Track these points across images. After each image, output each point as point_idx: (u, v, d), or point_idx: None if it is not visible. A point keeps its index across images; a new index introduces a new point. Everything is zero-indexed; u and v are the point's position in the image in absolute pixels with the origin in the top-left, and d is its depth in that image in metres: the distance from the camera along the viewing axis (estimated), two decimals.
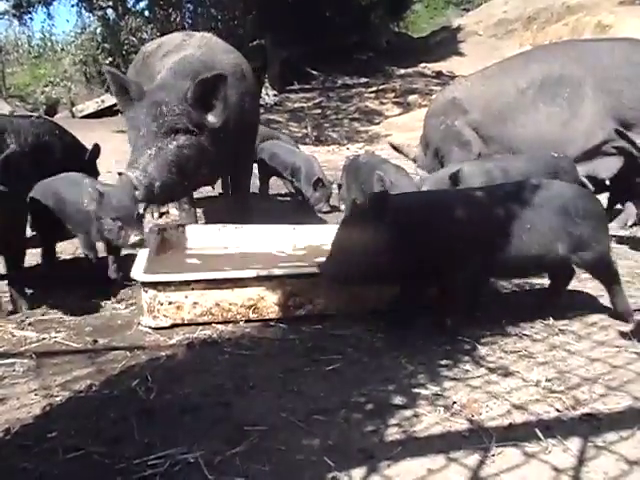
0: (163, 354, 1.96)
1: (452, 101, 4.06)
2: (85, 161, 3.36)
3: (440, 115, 4.09)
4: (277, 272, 2.27)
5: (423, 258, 2.04)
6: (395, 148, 4.61)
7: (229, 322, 2.20)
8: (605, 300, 2.45)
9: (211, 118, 2.67)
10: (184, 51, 3.10)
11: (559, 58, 3.71)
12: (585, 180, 3.31)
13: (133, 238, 2.42)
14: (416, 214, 2.08)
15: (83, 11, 10.21)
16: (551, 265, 2.26)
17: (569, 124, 3.56)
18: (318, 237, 2.93)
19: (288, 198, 4.87)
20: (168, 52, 3.23)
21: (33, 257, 2.80)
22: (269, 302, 2.22)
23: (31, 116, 3.73)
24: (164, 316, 2.17)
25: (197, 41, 3.26)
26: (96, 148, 3.44)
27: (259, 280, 2.21)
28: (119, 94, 2.71)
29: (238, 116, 3.04)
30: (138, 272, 2.21)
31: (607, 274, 2.25)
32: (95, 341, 2.07)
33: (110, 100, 9.91)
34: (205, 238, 2.91)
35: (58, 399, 1.66)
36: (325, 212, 4.24)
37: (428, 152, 4.18)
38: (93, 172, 3.33)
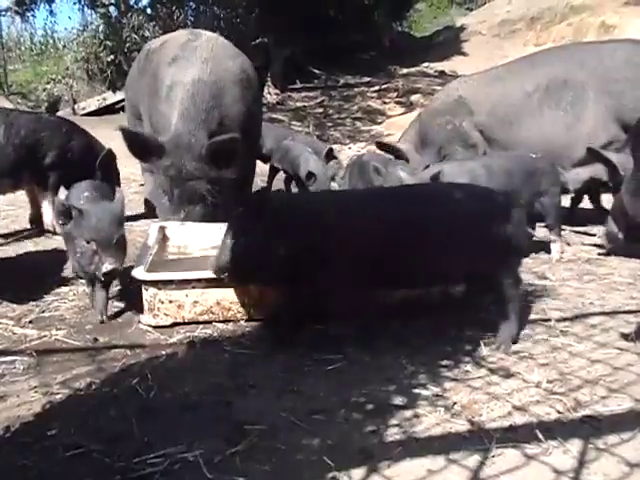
0: (163, 353, 1.96)
1: (458, 100, 4.03)
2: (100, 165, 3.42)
3: (446, 114, 4.04)
4: None
5: (295, 260, 1.91)
6: (383, 148, 4.45)
7: (229, 321, 2.20)
8: (607, 302, 2.45)
9: (227, 173, 2.86)
10: (192, 66, 3.13)
11: (563, 62, 3.72)
12: (569, 183, 3.28)
13: (106, 267, 2.05)
14: (289, 215, 1.98)
15: (85, 8, 10.20)
16: (451, 277, 2.10)
17: (573, 128, 3.57)
18: None
19: None
20: (176, 58, 3.23)
21: None
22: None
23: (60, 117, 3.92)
24: (165, 315, 2.17)
25: (203, 51, 3.26)
26: (108, 153, 3.50)
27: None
28: (135, 148, 2.81)
29: (244, 124, 3.17)
30: (139, 270, 2.21)
31: (507, 291, 2.03)
32: (95, 339, 2.07)
33: (112, 98, 9.90)
34: (206, 236, 2.90)
35: (58, 397, 1.66)
36: None
37: (427, 150, 4.11)
38: (109, 178, 3.37)
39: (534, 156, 3.14)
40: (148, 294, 2.17)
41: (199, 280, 2.17)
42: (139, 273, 2.19)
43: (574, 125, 3.57)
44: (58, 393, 1.68)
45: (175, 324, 2.17)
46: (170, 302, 2.16)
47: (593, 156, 3.07)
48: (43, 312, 2.33)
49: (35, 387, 1.71)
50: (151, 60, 3.51)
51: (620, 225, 2.93)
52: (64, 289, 2.57)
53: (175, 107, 2.94)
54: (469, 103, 3.96)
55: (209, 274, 2.17)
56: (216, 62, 3.18)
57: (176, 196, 2.85)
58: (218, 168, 2.81)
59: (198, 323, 2.17)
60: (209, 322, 2.18)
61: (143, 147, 2.79)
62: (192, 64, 3.13)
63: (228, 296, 2.19)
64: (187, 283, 2.16)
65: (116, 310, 2.37)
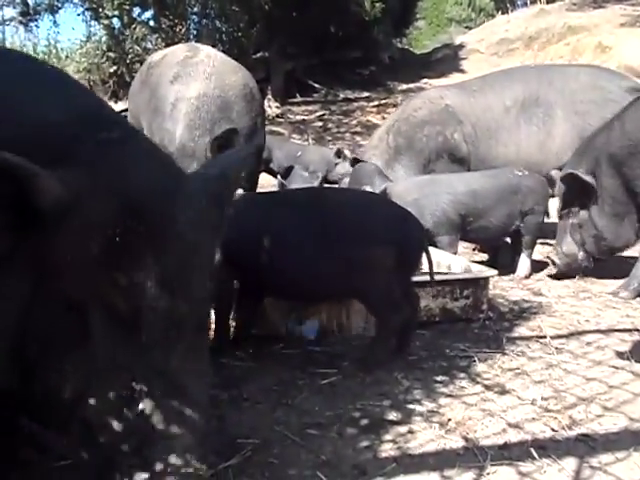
0: None
1: (446, 109, 3.87)
2: None
3: (436, 124, 3.85)
4: None
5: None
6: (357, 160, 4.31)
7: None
8: (603, 320, 2.45)
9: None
10: (194, 82, 3.15)
11: (535, 79, 3.77)
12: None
13: None
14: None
15: (89, 19, 10.31)
16: (338, 290, 1.96)
17: (544, 144, 3.64)
18: None
19: None
20: (178, 76, 3.26)
21: None
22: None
23: None
24: None
25: (205, 66, 3.30)
26: None
27: None
28: None
29: (250, 137, 3.21)
30: None
31: (376, 306, 1.94)
32: None
33: (114, 108, 9.95)
34: None
35: None
36: None
37: (409, 163, 3.90)
38: None
39: (520, 174, 3.13)
40: None
41: None
42: None
43: (545, 142, 3.64)
44: None
45: None
46: None
47: (572, 180, 2.96)
48: None
49: None
50: (151, 74, 3.55)
51: (586, 247, 3.00)
52: None
53: (179, 120, 2.96)
54: (457, 113, 3.84)
55: None
56: (219, 77, 3.22)
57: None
58: None
59: None
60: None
61: None
62: (194, 80, 3.17)
63: None
64: None
65: None
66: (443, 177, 3.32)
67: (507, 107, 3.72)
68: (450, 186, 3.07)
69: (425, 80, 12.13)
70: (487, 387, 1.81)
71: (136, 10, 10.07)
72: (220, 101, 3.09)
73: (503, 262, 3.22)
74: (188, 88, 3.12)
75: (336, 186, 4.39)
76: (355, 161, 4.06)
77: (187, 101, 3.04)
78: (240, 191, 2.86)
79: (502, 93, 3.80)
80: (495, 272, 2.54)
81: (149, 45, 9.75)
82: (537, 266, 3.28)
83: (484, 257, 3.50)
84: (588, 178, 2.90)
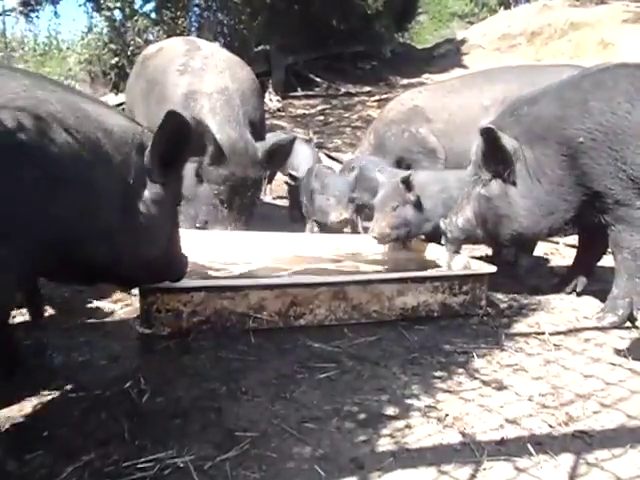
0: (157, 357, 1.95)
1: (414, 109, 4.05)
2: None
3: (402, 123, 4.06)
4: (277, 281, 2.27)
5: None
6: (331, 158, 4.53)
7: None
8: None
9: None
10: (209, 75, 3.17)
11: (517, 80, 3.77)
12: None
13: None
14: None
15: (90, 11, 10.25)
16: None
17: None
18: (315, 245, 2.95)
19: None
20: (186, 66, 3.25)
21: None
22: (269, 311, 2.20)
23: None
24: (161, 324, 2.11)
25: (215, 60, 3.32)
26: None
27: (259, 289, 2.19)
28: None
29: (262, 130, 3.30)
30: None
31: None
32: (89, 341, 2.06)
33: (114, 100, 9.91)
34: (207, 244, 2.91)
35: (50, 398, 1.65)
36: None
37: (381, 159, 4.04)
38: None
39: None
40: (145, 302, 2.11)
41: (198, 289, 2.12)
42: None
43: None
44: (50, 395, 1.67)
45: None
46: (167, 311, 2.10)
47: (491, 139, 2.46)
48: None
49: (27, 388, 1.70)
50: (147, 66, 3.56)
51: (487, 226, 2.56)
52: (57, 290, 2.57)
53: (208, 116, 2.95)
54: (426, 111, 3.99)
55: (208, 282, 2.15)
56: (232, 71, 3.27)
57: (236, 204, 2.92)
58: (267, 170, 3.04)
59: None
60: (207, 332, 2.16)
61: (200, 147, 2.81)
62: (208, 73, 3.18)
63: (227, 306, 2.15)
64: (186, 292, 2.11)
65: (112, 314, 2.36)
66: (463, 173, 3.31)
67: (485, 106, 3.74)
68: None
69: (427, 75, 12.09)
70: (485, 383, 1.81)
71: (138, 2, 10.01)
72: (240, 95, 3.15)
73: (502, 258, 3.22)
74: (202, 81, 3.12)
75: None
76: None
77: (208, 96, 3.04)
78: None
79: (479, 92, 3.84)
80: (494, 268, 2.54)
81: (150, 37, 9.68)
82: (537, 262, 3.28)
83: (483, 253, 3.50)
84: (509, 142, 2.43)
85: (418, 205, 2.90)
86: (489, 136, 2.44)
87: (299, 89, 11.53)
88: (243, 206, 2.96)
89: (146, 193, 1.66)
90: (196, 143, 2.68)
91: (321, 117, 10.30)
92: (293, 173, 4.08)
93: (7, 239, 1.32)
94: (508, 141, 2.43)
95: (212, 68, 3.21)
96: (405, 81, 11.92)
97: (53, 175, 1.38)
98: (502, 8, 16.48)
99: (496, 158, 2.47)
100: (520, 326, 2.34)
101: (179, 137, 1.66)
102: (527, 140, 2.43)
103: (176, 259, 1.91)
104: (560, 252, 3.54)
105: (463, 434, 1.51)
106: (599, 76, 2.35)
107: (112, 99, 10.02)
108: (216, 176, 2.86)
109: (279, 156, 3.04)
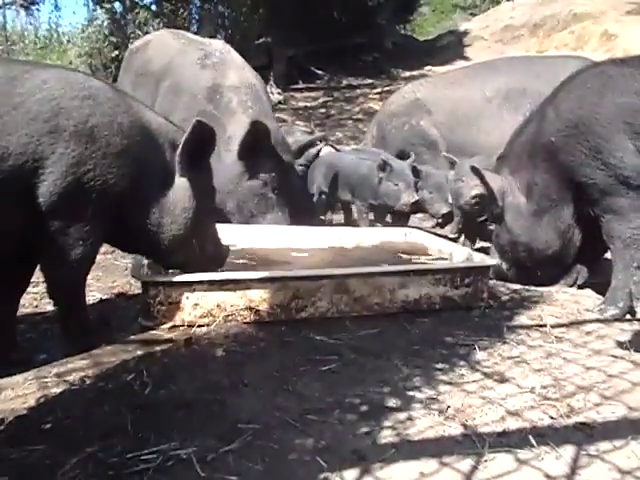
0: (159, 349, 1.96)
1: (415, 102, 4.07)
2: None
3: (402, 116, 4.09)
4: (279, 274, 2.27)
5: None
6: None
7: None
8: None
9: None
10: (231, 70, 3.28)
11: (521, 71, 3.76)
12: None
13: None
14: None
15: (90, 4, 10.22)
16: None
17: None
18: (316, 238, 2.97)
19: None
20: (206, 60, 3.37)
21: None
22: (271, 304, 2.20)
23: None
24: (163, 317, 2.13)
25: (231, 54, 3.43)
26: None
27: (261, 282, 2.19)
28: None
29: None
30: (139, 271, 2.21)
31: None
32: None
33: None
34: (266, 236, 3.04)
35: (53, 391, 1.66)
36: None
37: (383, 151, 4.10)
38: None
39: None
40: (148, 295, 2.12)
41: (200, 282, 2.13)
42: (139, 274, 2.19)
43: None
44: (53, 387, 1.68)
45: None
46: (170, 304, 2.12)
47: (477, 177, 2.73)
48: (37, 306, 2.33)
49: (30, 380, 1.71)
50: (135, 59, 3.68)
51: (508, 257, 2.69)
52: None
53: (238, 112, 3.07)
54: (427, 104, 4.00)
55: (211, 276, 2.15)
56: (248, 66, 3.42)
57: (282, 192, 3.08)
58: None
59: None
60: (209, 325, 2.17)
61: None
62: (229, 67, 3.31)
63: (229, 299, 2.16)
64: (188, 285, 2.12)
65: (115, 306, 2.37)
66: None
67: (488, 97, 3.75)
68: None
69: (429, 67, 12.02)
70: (487, 375, 1.82)
71: None
72: (263, 90, 3.31)
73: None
74: (225, 75, 3.21)
75: None
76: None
77: (236, 90, 3.16)
78: None
79: (482, 84, 3.84)
80: (497, 260, 2.54)
81: (151, 30, 9.64)
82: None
83: (486, 245, 3.50)
84: (493, 180, 2.61)
85: None
86: (477, 175, 2.65)
87: (300, 82, 11.48)
88: (286, 195, 3.11)
89: (175, 180, 2.04)
90: (253, 143, 2.91)
91: (323, 110, 10.26)
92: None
93: (103, 214, 1.83)
94: (492, 178, 2.61)
95: (231, 62, 3.32)
96: (407, 73, 11.85)
97: (134, 161, 1.88)
98: None
99: (490, 196, 2.66)
100: (522, 318, 2.35)
101: (204, 141, 2.05)
102: (522, 170, 2.59)
103: (211, 247, 2.22)
104: None
105: (465, 426, 1.51)
106: (571, 83, 2.53)
107: None
108: (264, 168, 2.99)
109: (305, 151, 3.31)
